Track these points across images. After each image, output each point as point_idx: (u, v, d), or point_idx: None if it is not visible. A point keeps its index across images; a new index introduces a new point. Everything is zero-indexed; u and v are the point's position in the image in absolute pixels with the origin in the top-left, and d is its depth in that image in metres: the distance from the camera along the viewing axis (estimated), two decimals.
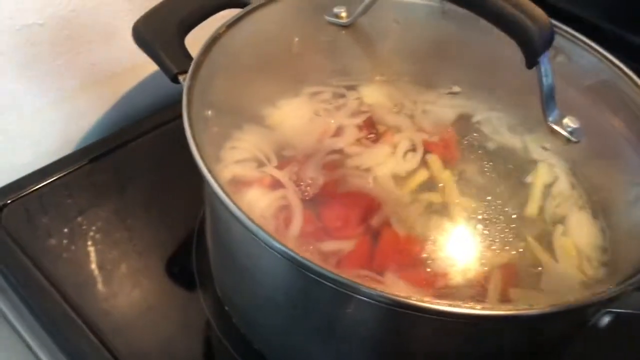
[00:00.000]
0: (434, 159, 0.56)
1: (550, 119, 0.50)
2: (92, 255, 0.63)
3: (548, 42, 0.45)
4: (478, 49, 0.62)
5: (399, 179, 0.56)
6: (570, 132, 0.51)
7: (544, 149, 0.56)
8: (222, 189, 0.42)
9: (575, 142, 0.52)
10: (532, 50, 0.45)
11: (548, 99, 0.49)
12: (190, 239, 0.65)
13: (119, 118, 0.74)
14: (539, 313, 0.37)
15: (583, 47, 0.60)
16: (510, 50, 0.48)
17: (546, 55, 0.46)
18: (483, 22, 0.48)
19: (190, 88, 0.49)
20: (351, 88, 0.62)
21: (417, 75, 0.64)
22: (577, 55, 0.60)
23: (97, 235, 0.64)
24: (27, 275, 0.60)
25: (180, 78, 0.52)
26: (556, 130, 0.51)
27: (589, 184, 0.60)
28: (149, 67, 0.62)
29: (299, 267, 0.39)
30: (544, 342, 0.47)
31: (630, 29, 0.91)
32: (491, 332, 0.42)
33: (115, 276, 0.62)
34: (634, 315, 0.45)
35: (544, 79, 0.47)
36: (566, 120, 0.51)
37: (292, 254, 0.39)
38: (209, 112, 0.53)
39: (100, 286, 0.61)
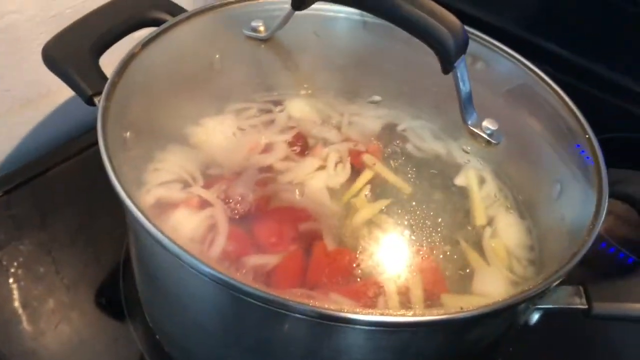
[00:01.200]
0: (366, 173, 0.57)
1: (469, 122, 0.52)
2: (15, 293, 0.60)
3: (462, 48, 0.46)
4: (399, 58, 0.63)
5: (332, 192, 0.56)
6: (490, 134, 0.53)
7: (466, 152, 0.58)
8: (140, 211, 0.41)
9: (495, 144, 0.53)
10: (447, 56, 0.46)
11: (466, 103, 0.50)
12: (117, 268, 0.63)
13: (36, 146, 0.71)
14: (466, 316, 0.38)
15: (500, 53, 0.62)
16: (429, 58, 0.50)
17: (462, 60, 0.47)
18: (403, 32, 0.49)
19: (105, 109, 0.47)
20: (277, 103, 0.62)
21: (340, 87, 0.65)
22: (495, 62, 0.62)
23: (20, 271, 0.61)
24: None
25: (96, 100, 0.50)
26: (476, 133, 0.52)
27: (514, 185, 0.62)
28: (66, 92, 0.60)
29: (224, 287, 0.38)
30: (478, 343, 0.48)
31: (543, 35, 0.96)
32: (423, 338, 0.42)
33: (42, 313, 0.59)
34: (561, 311, 0.46)
35: (460, 84, 0.48)
36: (485, 123, 0.53)
37: (216, 273, 0.38)
38: (128, 134, 0.52)
39: (25, 325, 0.58)
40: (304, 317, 0.38)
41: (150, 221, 0.41)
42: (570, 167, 0.56)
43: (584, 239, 0.47)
